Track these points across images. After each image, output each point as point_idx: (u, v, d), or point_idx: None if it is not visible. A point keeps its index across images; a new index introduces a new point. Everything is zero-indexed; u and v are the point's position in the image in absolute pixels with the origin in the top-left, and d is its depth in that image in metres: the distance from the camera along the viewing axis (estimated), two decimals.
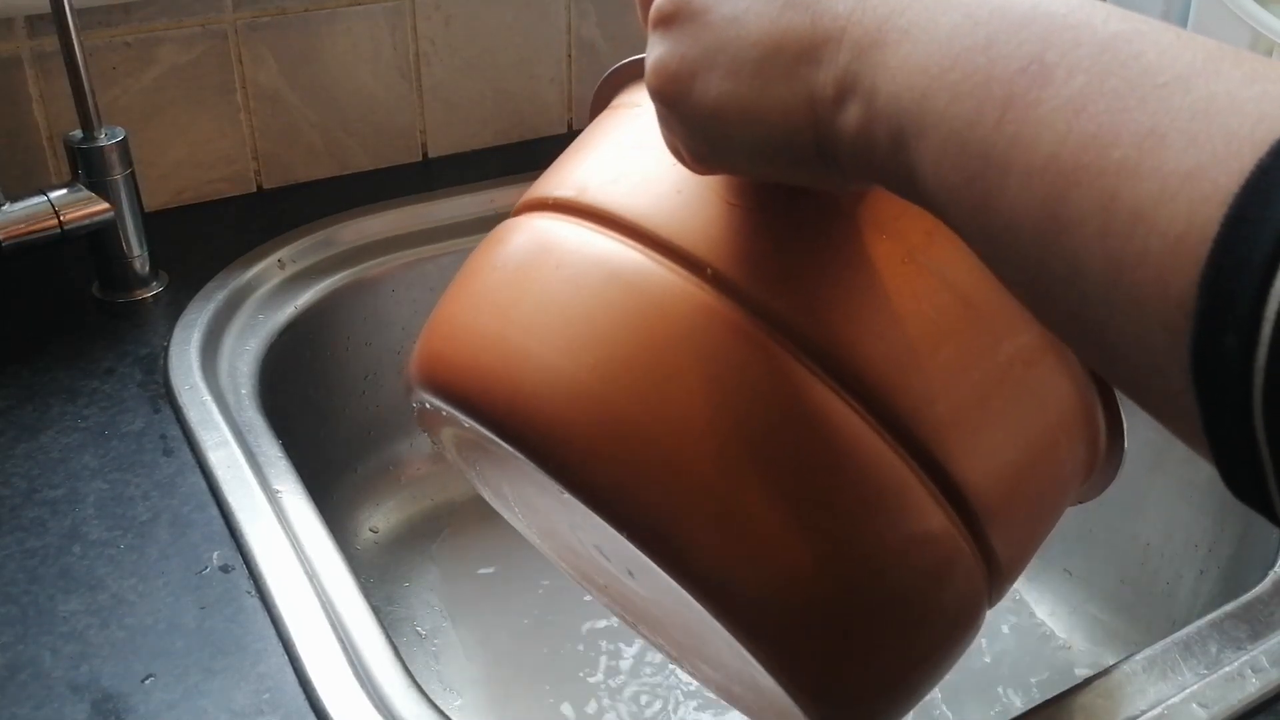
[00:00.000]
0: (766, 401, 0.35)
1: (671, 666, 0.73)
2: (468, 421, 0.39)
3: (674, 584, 0.38)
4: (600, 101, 0.46)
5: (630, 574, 0.45)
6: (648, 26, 0.35)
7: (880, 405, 0.36)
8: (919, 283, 0.37)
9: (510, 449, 0.37)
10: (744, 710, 0.50)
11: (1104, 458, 0.44)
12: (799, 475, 0.36)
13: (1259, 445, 0.22)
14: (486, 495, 0.52)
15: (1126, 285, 0.23)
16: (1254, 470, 0.23)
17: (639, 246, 0.38)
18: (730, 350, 0.36)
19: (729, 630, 0.37)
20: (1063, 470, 0.42)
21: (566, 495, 0.37)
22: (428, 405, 0.42)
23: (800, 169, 0.32)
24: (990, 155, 0.26)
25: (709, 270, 0.36)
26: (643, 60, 0.40)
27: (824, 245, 0.37)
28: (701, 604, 0.36)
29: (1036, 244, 0.25)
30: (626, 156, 0.41)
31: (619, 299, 0.37)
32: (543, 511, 0.47)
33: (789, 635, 0.36)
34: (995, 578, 0.40)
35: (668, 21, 0.34)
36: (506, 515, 0.53)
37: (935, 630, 0.39)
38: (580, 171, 0.42)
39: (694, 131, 0.34)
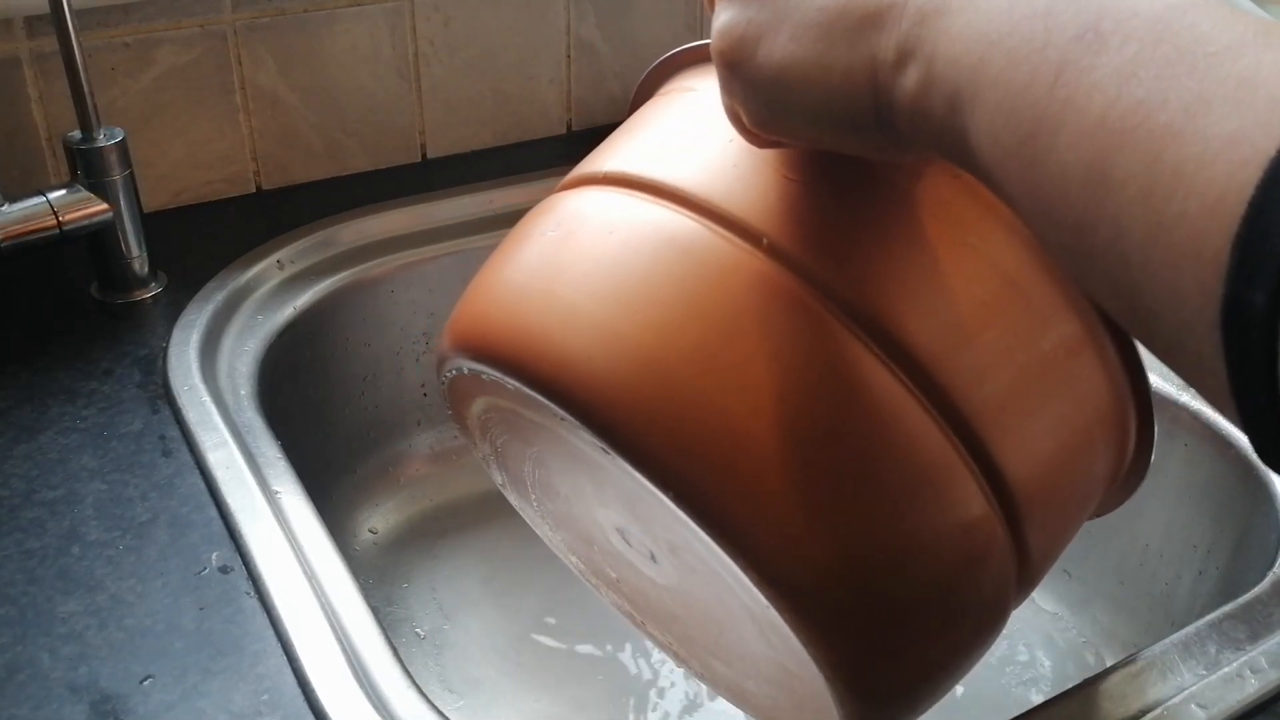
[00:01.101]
0: (820, 369, 0.35)
1: (672, 668, 0.73)
2: (511, 383, 0.38)
3: (705, 559, 0.38)
4: (645, 91, 0.46)
5: (653, 558, 0.44)
6: None
7: (929, 381, 0.36)
8: (969, 265, 0.37)
9: (556, 409, 0.36)
10: (754, 709, 0.49)
11: (1128, 466, 0.44)
12: (849, 444, 0.35)
13: None
14: (501, 482, 0.51)
15: (1164, 246, 0.24)
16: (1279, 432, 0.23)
17: (694, 215, 0.37)
18: (785, 317, 0.35)
19: (769, 597, 0.36)
20: (1094, 470, 0.42)
21: (606, 462, 0.37)
22: (465, 372, 0.41)
23: (858, 135, 0.33)
24: (1042, 118, 0.26)
25: (765, 240, 0.36)
26: (689, 49, 0.40)
27: (878, 222, 0.37)
28: (743, 569, 0.36)
29: (1081, 205, 0.26)
30: (680, 134, 0.41)
31: (674, 263, 0.36)
32: (564, 494, 0.47)
33: (830, 608, 0.36)
34: (1024, 575, 0.40)
35: None
36: (519, 504, 0.52)
37: (970, 621, 0.39)
38: (631, 148, 0.42)
39: (756, 95, 0.34)
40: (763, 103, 0.34)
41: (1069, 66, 0.26)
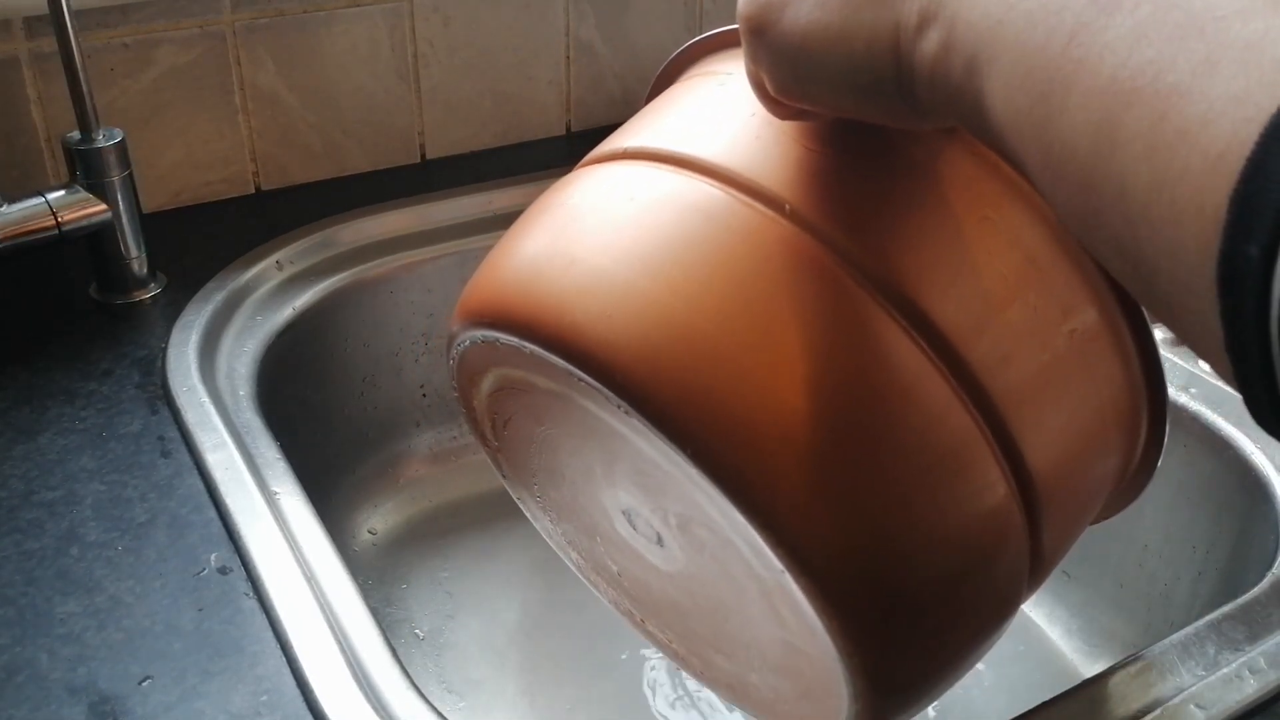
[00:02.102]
0: (844, 334, 0.35)
1: (671, 669, 0.73)
2: (530, 348, 0.37)
3: (717, 530, 0.37)
4: (664, 79, 0.46)
5: (660, 541, 0.44)
6: None
7: (954, 356, 0.36)
8: (990, 240, 0.37)
9: (574, 370, 0.36)
10: (755, 704, 0.49)
11: (1136, 463, 0.44)
12: (873, 409, 0.35)
13: (1275, 361, 0.23)
14: (504, 473, 0.51)
15: (1166, 202, 0.24)
16: (1273, 393, 0.23)
17: (716, 183, 0.37)
18: (809, 282, 0.35)
19: (784, 560, 0.35)
20: (1107, 461, 0.41)
21: (621, 427, 0.37)
22: (480, 341, 0.40)
23: (879, 101, 0.33)
24: (1055, 78, 0.27)
25: (787, 207, 0.36)
26: (710, 36, 0.40)
27: (901, 194, 0.37)
28: (759, 531, 0.35)
29: (1089, 164, 0.26)
30: (700, 111, 0.41)
31: (696, 226, 0.36)
32: (570, 479, 0.46)
33: (845, 573, 0.35)
34: (1036, 568, 0.40)
35: None
36: (520, 497, 0.52)
37: (985, 604, 0.38)
38: (651, 126, 0.42)
39: (781, 61, 0.35)
40: (787, 68, 0.35)
41: (1083, 28, 0.26)
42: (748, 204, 0.37)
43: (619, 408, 0.36)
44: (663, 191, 0.38)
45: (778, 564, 0.36)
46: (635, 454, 0.39)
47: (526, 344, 0.38)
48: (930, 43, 0.30)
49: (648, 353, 0.35)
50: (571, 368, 0.36)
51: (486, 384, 0.45)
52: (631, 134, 0.42)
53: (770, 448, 0.34)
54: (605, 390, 0.36)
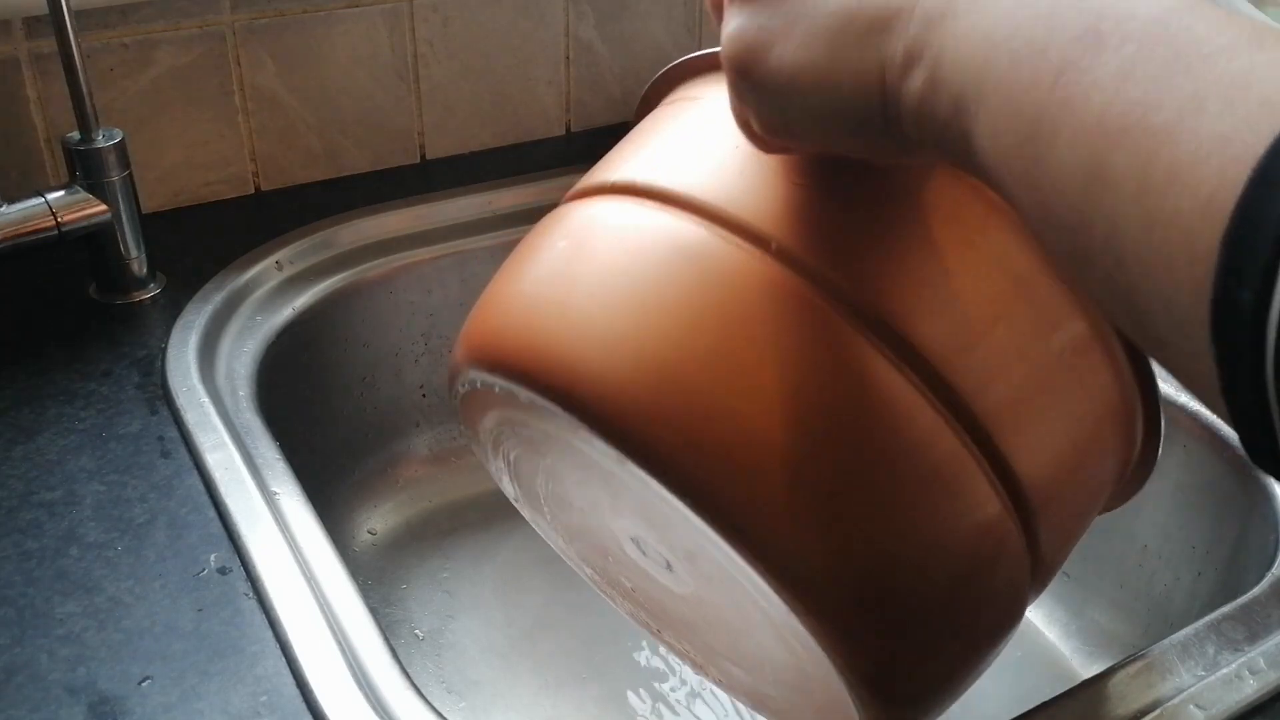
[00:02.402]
0: (830, 371, 0.35)
1: (672, 669, 0.73)
2: (526, 395, 0.38)
3: (722, 566, 0.38)
4: (649, 101, 0.47)
5: (669, 567, 0.44)
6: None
7: (940, 382, 0.36)
8: (976, 264, 0.38)
9: (571, 419, 0.37)
10: (775, 714, 0.49)
11: (1135, 463, 0.44)
12: (862, 445, 0.35)
13: (1270, 405, 0.22)
14: (514, 496, 0.51)
15: (1158, 244, 0.24)
16: (1270, 433, 0.23)
17: (702, 222, 0.38)
18: (795, 320, 0.36)
19: (789, 602, 0.36)
20: (1104, 466, 0.42)
21: (621, 471, 0.37)
22: (479, 386, 0.41)
23: (866, 139, 0.33)
24: (1042, 118, 0.27)
25: (773, 244, 0.36)
26: (693, 59, 0.40)
27: (885, 224, 0.37)
28: (762, 575, 0.36)
29: (1079, 205, 0.26)
30: (686, 142, 0.41)
31: (683, 270, 0.37)
32: (579, 507, 0.47)
33: (849, 610, 0.36)
34: (1037, 572, 0.40)
35: None
36: (532, 518, 0.52)
37: (987, 619, 0.39)
38: (638, 157, 0.42)
39: (767, 100, 0.34)
40: (774, 108, 0.34)
41: (1069, 67, 0.26)
42: (733, 243, 0.37)
43: (616, 458, 0.36)
44: (649, 232, 0.38)
45: (783, 605, 0.36)
46: (638, 494, 0.39)
47: (523, 391, 0.38)
48: (916, 82, 0.30)
49: (640, 403, 0.35)
50: (569, 417, 0.37)
51: (489, 421, 0.45)
52: (618, 165, 0.42)
53: (767, 493, 0.35)
54: (601, 441, 0.36)
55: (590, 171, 0.44)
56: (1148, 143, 0.24)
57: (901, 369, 0.36)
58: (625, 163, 0.42)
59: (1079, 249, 0.27)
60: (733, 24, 0.35)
